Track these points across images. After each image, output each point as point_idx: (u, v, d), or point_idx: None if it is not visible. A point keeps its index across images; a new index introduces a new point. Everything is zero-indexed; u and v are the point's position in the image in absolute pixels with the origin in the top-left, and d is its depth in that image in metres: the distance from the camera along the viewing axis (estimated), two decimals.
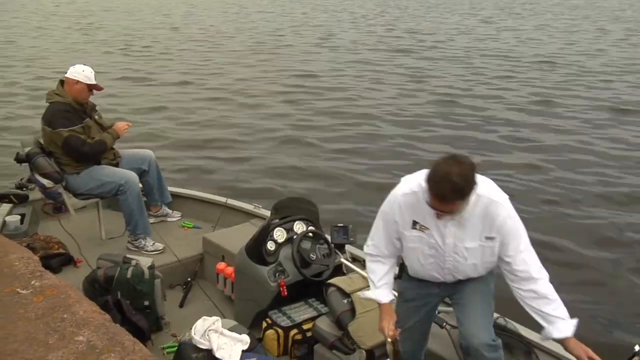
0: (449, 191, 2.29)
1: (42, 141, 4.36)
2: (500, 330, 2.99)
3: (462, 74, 15.52)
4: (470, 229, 2.49)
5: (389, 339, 2.65)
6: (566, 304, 2.52)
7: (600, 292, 5.34)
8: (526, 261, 2.50)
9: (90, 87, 4.35)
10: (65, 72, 4.33)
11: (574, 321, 2.48)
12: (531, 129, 10.54)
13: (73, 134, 4.21)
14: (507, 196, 2.51)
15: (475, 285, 2.69)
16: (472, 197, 2.37)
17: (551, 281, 2.53)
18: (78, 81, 4.28)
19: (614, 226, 6.70)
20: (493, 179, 2.56)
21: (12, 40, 21.55)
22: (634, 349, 2.60)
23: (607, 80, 15.04)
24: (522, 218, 2.55)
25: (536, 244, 2.58)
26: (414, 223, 2.55)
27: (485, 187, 2.45)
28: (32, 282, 2.32)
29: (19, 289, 2.27)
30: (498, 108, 11.99)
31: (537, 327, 3.08)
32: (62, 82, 4.35)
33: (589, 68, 16.67)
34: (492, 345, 2.57)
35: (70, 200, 4.43)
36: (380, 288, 2.74)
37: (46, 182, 4.27)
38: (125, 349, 1.96)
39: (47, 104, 4.31)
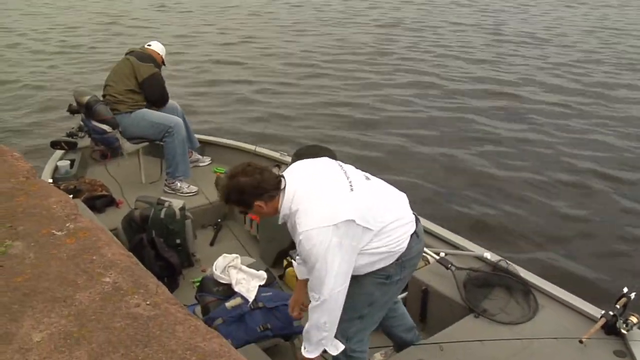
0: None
1: (111, 82, 4.41)
2: (501, 271, 2.91)
3: None
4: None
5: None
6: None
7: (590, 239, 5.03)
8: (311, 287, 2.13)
9: (162, 61, 4.70)
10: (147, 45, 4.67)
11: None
12: None
13: (159, 73, 4.50)
14: (320, 223, 2.01)
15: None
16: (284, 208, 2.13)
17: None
18: (159, 54, 4.63)
19: None
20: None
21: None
22: (623, 291, 2.52)
23: None
24: None
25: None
26: None
27: (302, 213, 2.06)
28: (67, 225, 2.28)
29: (54, 231, 2.22)
30: None
31: (537, 270, 3.01)
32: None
33: None
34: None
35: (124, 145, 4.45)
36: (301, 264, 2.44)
37: (106, 128, 4.30)
38: (149, 291, 1.89)
39: (126, 55, 4.51)
